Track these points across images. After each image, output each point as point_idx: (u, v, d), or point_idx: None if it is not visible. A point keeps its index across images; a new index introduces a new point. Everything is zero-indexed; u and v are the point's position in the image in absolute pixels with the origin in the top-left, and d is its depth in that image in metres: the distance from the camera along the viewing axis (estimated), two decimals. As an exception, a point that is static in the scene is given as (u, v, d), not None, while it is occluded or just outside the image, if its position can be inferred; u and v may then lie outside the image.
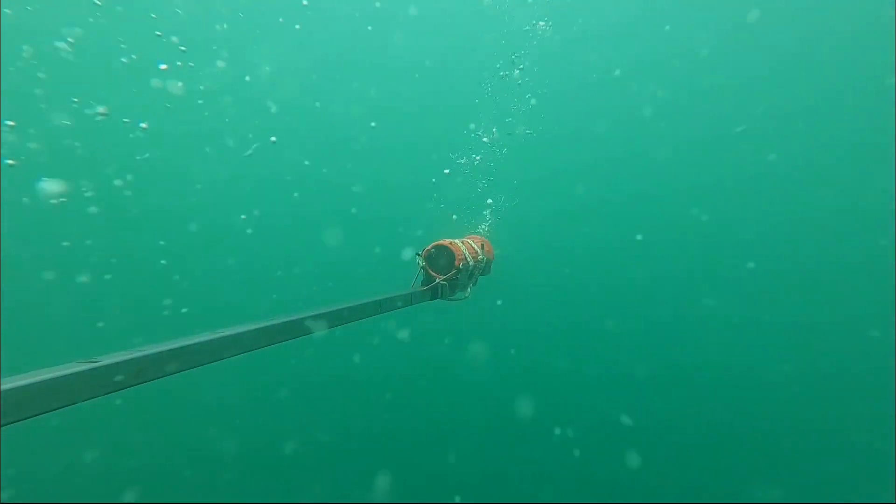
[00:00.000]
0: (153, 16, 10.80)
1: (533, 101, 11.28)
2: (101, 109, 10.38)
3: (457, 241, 3.01)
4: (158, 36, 10.57)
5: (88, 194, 10.29)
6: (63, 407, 0.93)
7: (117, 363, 1.02)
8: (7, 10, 9.75)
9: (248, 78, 12.33)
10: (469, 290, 3.12)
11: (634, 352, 10.61)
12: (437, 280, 2.79)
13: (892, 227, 9.59)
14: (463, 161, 9.30)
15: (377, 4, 12.60)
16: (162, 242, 11.05)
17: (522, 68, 10.22)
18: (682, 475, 8.63)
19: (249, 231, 12.09)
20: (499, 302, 10.61)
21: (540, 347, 11.07)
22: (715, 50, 11.62)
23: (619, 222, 12.37)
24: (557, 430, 9.30)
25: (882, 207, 9.79)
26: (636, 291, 11.58)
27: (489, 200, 7.68)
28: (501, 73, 10.24)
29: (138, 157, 11.11)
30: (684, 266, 11.58)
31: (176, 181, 11.86)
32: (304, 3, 12.44)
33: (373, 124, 12.98)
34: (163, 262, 10.90)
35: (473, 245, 3.13)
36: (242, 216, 11.85)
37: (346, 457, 8.89)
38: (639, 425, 9.32)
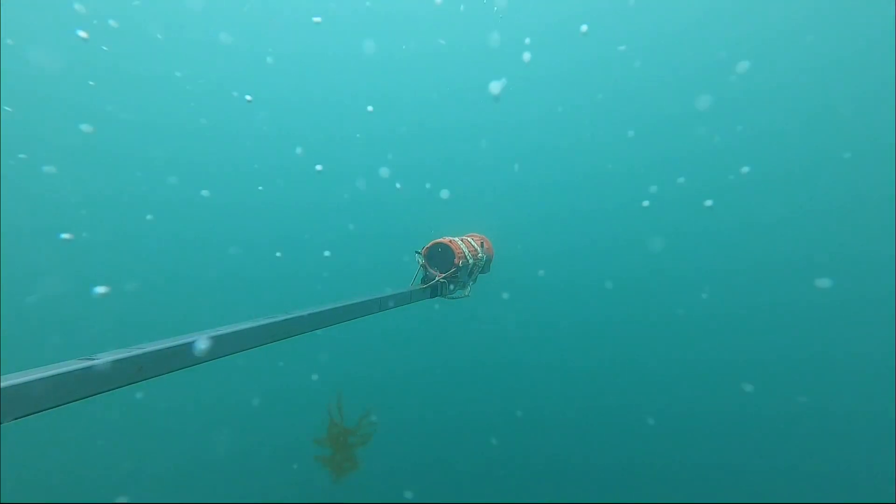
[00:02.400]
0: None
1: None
2: None
3: (456, 239, 3.01)
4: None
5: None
6: (63, 405, 0.93)
7: (116, 361, 1.03)
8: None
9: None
10: (469, 288, 3.13)
11: (635, 349, 10.63)
12: (437, 278, 2.80)
13: (892, 228, 9.59)
14: None
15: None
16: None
17: None
18: (681, 475, 8.63)
19: (249, 224, 12.15)
20: (504, 295, 10.64)
21: (538, 345, 11.10)
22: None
23: (621, 222, 12.40)
24: (560, 427, 9.33)
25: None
26: (637, 292, 11.60)
27: None
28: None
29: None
30: (684, 264, 11.60)
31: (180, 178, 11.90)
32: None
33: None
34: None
35: (473, 243, 3.13)
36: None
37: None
38: (636, 423, 9.33)
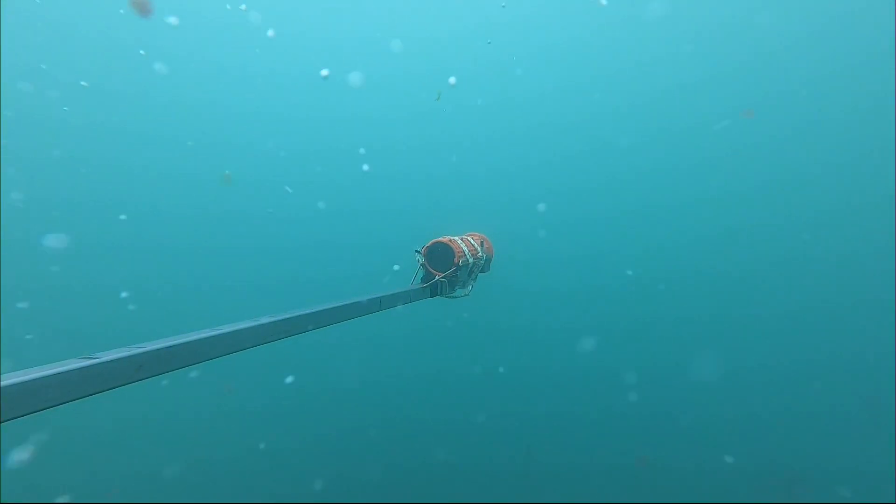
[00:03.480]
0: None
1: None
2: None
3: (456, 238, 3.02)
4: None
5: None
6: (62, 403, 0.93)
7: (116, 360, 1.03)
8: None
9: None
10: (469, 287, 3.14)
11: (635, 350, 10.66)
12: (437, 277, 2.80)
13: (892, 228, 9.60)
14: None
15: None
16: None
17: None
18: (679, 474, 8.64)
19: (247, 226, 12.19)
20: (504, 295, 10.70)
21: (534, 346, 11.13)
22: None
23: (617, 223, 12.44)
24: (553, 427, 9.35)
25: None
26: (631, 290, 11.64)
27: None
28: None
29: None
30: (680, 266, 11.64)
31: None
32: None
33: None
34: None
35: (473, 242, 3.14)
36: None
37: (343, 458, 8.92)
38: (633, 423, 9.35)
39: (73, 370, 0.94)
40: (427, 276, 2.82)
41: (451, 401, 10.09)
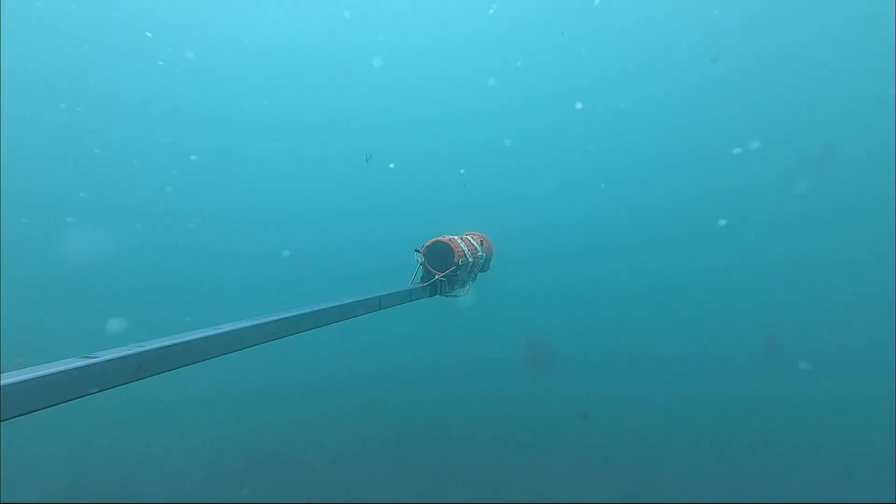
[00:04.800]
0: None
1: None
2: None
3: (456, 237, 3.01)
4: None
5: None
6: (62, 402, 0.93)
7: (116, 359, 1.03)
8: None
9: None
10: (468, 286, 3.12)
11: (632, 345, 10.65)
12: (437, 276, 2.79)
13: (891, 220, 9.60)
14: None
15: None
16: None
17: None
18: (678, 474, 8.63)
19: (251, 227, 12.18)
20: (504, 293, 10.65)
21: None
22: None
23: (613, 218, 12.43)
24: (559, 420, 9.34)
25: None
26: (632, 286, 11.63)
27: None
28: None
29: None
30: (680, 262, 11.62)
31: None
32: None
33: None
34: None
35: (472, 241, 3.13)
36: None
37: (342, 457, 8.91)
38: (632, 423, 9.35)
39: (73, 369, 0.94)
40: (427, 276, 2.82)
41: (449, 394, 10.09)
